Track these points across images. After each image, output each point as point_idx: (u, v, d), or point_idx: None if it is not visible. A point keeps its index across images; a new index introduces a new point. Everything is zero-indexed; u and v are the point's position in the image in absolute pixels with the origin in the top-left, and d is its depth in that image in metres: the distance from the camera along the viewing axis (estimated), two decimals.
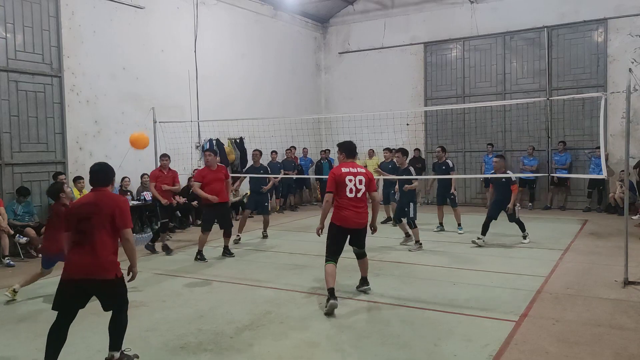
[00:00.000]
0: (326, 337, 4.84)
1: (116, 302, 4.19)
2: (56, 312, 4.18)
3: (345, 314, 5.48)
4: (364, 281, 6.27)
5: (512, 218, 8.93)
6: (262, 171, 10.09)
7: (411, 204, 8.69)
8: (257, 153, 10.22)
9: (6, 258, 8.10)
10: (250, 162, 13.39)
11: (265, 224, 10.20)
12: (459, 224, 10.27)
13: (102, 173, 4.36)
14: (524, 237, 9.08)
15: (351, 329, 5.02)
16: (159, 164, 9.18)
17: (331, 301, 5.47)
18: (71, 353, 4.59)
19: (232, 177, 9.62)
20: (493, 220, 8.86)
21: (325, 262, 5.78)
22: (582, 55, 13.40)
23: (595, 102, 12.72)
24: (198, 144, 12.68)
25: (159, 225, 9.01)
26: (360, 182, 5.83)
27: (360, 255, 6.16)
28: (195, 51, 12.47)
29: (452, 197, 10.27)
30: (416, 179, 9.00)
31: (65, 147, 9.77)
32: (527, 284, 6.42)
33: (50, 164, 9.55)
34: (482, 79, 14.70)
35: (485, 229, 8.84)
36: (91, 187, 4.33)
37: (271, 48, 14.91)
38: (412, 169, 9.01)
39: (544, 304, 5.67)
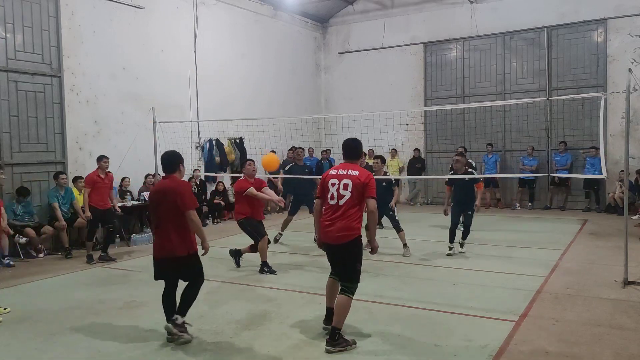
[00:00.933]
0: (326, 337, 4.83)
1: (191, 274, 4.81)
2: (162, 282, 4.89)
3: None
4: (331, 334, 4.45)
5: (468, 221, 8.24)
6: (306, 170, 9.24)
7: (395, 209, 8.50)
8: (301, 151, 9.32)
9: (6, 258, 8.10)
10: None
11: None
12: None
13: (167, 161, 4.83)
14: (450, 248, 8.13)
15: (351, 329, 5.01)
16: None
17: (324, 326, 4.85)
18: (71, 353, 4.60)
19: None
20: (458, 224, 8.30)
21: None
22: (582, 55, 13.41)
23: (595, 102, 12.72)
24: (198, 144, 12.67)
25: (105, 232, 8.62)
26: (345, 186, 4.53)
27: (341, 289, 4.59)
28: (195, 51, 12.47)
29: None
30: (396, 186, 8.66)
31: (65, 147, 9.76)
32: (527, 284, 6.42)
33: (50, 164, 9.54)
34: (482, 79, 14.70)
35: (452, 237, 8.19)
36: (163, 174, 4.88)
37: (271, 48, 14.91)
38: (391, 177, 8.81)
39: (543, 304, 5.67)
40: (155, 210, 4.77)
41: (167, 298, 4.84)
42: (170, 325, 4.68)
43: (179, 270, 4.76)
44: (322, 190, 4.77)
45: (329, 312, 4.79)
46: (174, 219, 4.64)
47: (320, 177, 4.98)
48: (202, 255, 4.78)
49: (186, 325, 4.77)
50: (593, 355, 4.31)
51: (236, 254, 7.76)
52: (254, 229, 7.41)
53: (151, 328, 5.16)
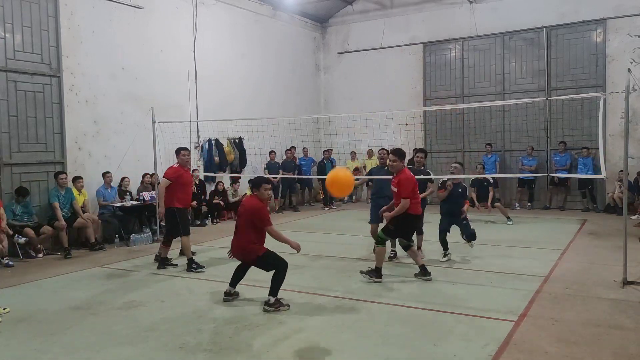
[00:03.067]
0: (325, 337, 4.83)
1: (268, 266, 5.79)
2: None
3: (345, 314, 5.48)
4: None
5: (468, 230, 7.93)
6: (386, 167, 7.98)
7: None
8: (384, 152, 8.21)
9: (5, 258, 8.09)
10: (248, 162, 13.56)
11: None
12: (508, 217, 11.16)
13: (253, 182, 6.00)
14: (444, 255, 7.88)
15: (351, 329, 5.02)
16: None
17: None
18: (71, 353, 4.60)
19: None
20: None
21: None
22: (581, 55, 13.41)
23: (594, 102, 12.72)
24: (197, 144, 12.67)
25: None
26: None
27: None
28: (194, 51, 12.46)
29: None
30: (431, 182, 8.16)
31: (64, 147, 9.75)
32: (526, 284, 6.43)
33: (49, 164, 9.53)
34: (481, 79, 14.71)
35: (445, 244, 7.94)
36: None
37: (270, 48, 14.91)
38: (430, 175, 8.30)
39: (543, 304, 5.67)
40: (237, 218, 5.96)
41: (238, 271, 6.03)
42: (266, 303, 5.61)
43: (252, 265, 5.90)
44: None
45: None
46: (247, 229, 5.70)
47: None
48: (297, 253, 5.85)
49: (280, 300, 5.61)
50: (592, 355, 4.31)
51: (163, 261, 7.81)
52: (185, 222, 7.82)
53: (150, 328, 5.16)
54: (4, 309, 5.72)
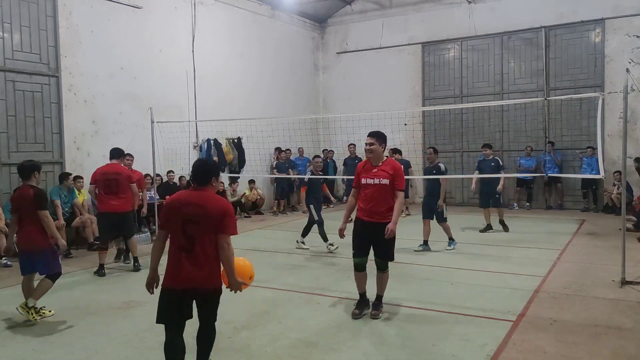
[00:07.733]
0: (324, 337, 4.84)
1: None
2: None
3: (344, 314, 5.48)
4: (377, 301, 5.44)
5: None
6: (356, 161, 11.03)
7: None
8: (353, 147, 11.94)
9: (3, 258, 8.08)
10: (247, 162, 13.56)
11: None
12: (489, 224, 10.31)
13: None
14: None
15: (349, 329, 5.02)
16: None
17: (356, 311, 5.37)
18: (69, 354, 4.59)
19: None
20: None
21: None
22: (580, 55, 13.43)
23: (592, 102, 12.74)
24: (196, 144, 12.66)
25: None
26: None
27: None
28: (193, 51, 12.45)
29: (497, 196, 10.15)
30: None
31: (63, 147, 9.74)
32: (525, 284, 6.43)
33: (48, 164, 9.51)
34: (480, 79, 14.72)
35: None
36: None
37: (269, 48, 14.91)
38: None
39: (541, 304, 5.68)
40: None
41: None
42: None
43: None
44: None
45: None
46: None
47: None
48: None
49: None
50: (591, 355, 4.32)
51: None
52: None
53: (149, 328, 5.15)
54: (50, 312, 5.57)
